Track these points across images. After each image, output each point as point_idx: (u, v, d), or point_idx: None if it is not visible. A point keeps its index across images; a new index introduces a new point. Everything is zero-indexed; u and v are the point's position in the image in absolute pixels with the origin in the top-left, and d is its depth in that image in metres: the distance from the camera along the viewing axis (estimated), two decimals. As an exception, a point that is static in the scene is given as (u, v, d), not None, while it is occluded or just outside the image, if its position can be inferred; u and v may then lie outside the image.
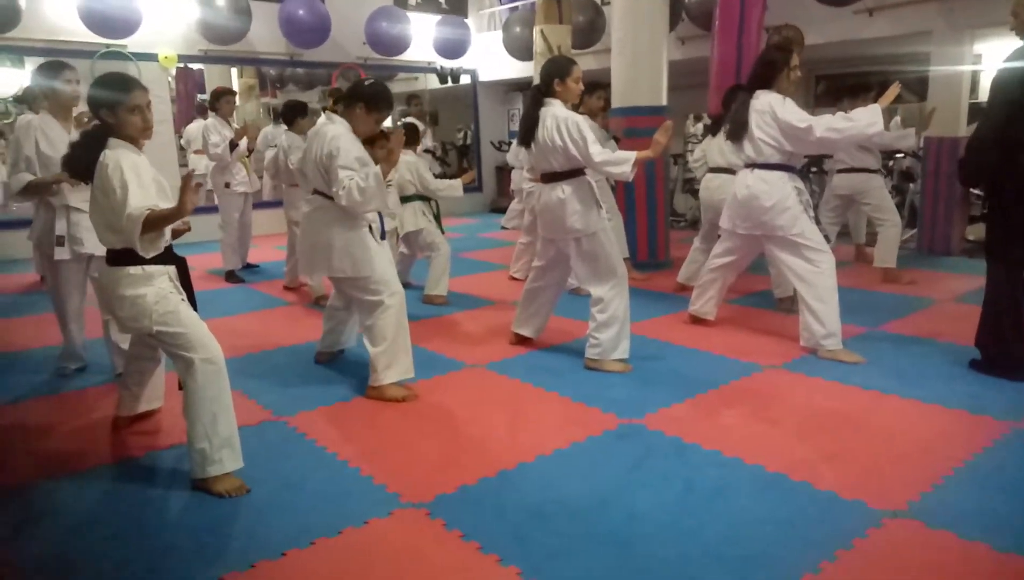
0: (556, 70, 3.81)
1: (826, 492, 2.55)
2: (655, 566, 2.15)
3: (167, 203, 2.67)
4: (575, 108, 3.97)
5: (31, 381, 3.96)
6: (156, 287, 2.66)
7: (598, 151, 3.66)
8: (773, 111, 3.92)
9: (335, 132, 3.49)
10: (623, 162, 3.63)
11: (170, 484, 2.76)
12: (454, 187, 5.51)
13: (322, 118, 3.66)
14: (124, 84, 2.67)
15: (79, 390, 3.83)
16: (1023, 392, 3.40)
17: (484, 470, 2.77)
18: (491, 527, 2.38)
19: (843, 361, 3.90)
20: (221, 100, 6.40)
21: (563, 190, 3.81)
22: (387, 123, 10.66)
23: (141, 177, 2.61)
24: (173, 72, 9.32)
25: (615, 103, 6.42)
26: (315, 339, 4.27)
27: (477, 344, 4.47)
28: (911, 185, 7.74)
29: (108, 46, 8.28)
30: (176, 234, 2.88)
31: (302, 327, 4.94)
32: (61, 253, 3.76)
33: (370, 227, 3.60)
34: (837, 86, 9.81)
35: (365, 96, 3.56)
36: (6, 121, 9.09)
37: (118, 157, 2.60)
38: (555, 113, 3.75)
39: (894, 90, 3.77)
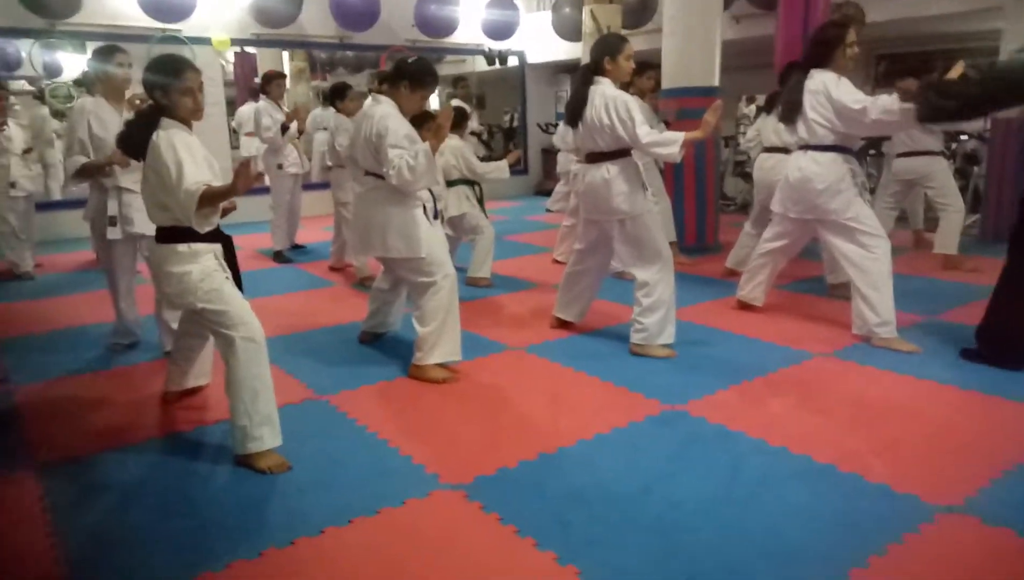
0: (607, 48, 3.73)
1: (877, 484, 2.46)
2: (696, 555, 2.11)
3: (219, 182, 2.71)
4: (625, 88, 3.88)
5: (85, 356, 4.09)
6: (202, 265, 2.71)
7: (646, 132, 3.58)
8: (827, 91, 3.77)
9: (383, 112, 3.49)
10: (671, 143, 3.55)
11: (216, 459, 2.82)
12: (500, 169, 5.48)
13: (369, 100, 3.67)
14: (176, 66, 2.72)
15: (130, 366, 3.94)
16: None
17: (524, 453, 2.75)
18: (529, 511, 2.36)
19: (898, 350, 3.76)
20: (272, 83, 6.49)
21: (608, 170, 3.74)
22: (434, 106, 10.64)
23: (194, 155, 2.67)
24: (226, 55, 9.48)
25: (666, 84, 6.28)
26: (358, 319, 4.30)
27: (520, 327, 4.45)
28: (975, 168, 7.41)
29: (164, 31, 8.46)
30: (223, 213, 2.92)
31: (346, 307, 4.99)
32: (113, 233, 3.85)
33: (424, 208, 3.59)
34: (899, 66, 9.45)
35: (409, 73, 3.55)
36: (68, 105, 9.37)
37: (171, 136, 2.65)
38: (604, 92, 3.67)
39: (957, 71, 3.58)
